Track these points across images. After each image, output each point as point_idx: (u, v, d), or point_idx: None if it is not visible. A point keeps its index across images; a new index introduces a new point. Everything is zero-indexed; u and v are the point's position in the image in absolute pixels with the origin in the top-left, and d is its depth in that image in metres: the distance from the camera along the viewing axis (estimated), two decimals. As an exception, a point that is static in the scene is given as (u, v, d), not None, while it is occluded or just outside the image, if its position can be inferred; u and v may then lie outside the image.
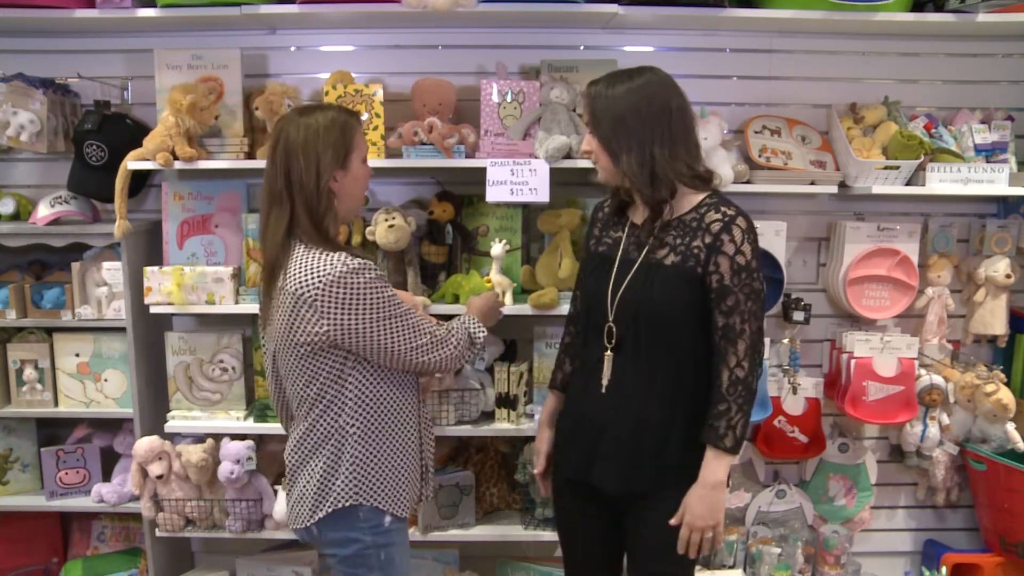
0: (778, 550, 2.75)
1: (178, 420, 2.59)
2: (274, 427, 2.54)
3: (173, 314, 2.67)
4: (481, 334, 2.02)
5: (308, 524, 1.86)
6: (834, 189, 2.55)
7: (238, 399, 2.62)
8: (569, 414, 1.99)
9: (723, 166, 2.41)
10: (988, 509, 2.76)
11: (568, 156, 2.38)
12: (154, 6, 2.37)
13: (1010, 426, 2.68)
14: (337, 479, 1.83)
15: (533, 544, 2.74)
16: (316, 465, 1.84)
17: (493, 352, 2.59)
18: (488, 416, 2.58)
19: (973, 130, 2.59)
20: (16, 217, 2.67)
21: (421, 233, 2.52)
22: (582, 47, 2.68)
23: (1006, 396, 2.64)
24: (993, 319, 2.73)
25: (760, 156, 2.55)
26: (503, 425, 2.54)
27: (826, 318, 2.84)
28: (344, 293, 1.72)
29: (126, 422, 2.68)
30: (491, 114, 2.41)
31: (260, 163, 2.42)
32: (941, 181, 2.53)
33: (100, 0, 2.38)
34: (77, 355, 2.60)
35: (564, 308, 2.43)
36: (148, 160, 2.40)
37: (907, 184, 2.55)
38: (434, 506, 2.59)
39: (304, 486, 1.86)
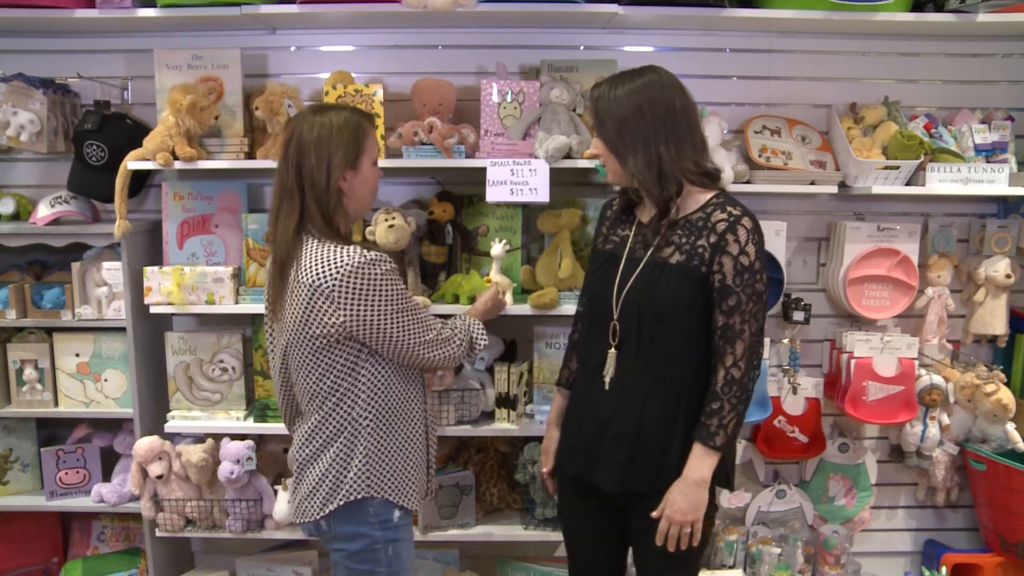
0: (778, 550, 2.75)
1: (178, 420, 2.60)
2: (274, 427, 2.54)
3: (173, 314, 2.67)
4: (483, 340, 2.07)
5: (318, 517, 1.87)
6: (834, 189, 2.56)
7: (238, 399, 2.62)
8: (574, 411, 2.00)
9: (723, 166, 2.41)
10: (988, 509, 2.76)
11: (568, 156, 2.38)
12: (154, 6, 2.38)
13: (1010, 426, 2.68)
14: (350, 471, 1.84)
15: (533, 544, 2.74)
16: (328, 457, 1.86)
17: (493, 352, 2.59)
18: (488, 416, 2.58)
19: (973, 130, 2.59)
20: (16, 217, 2.67)
21: (421, 233, 2.52)
22: (582, 47, 2.68)
23: (1006, 396, 2.64)
24: (993, 319, 2.73)
25: (760, 156, 2.55)
26: (503, 425, 2.54)
27: (826, 318, 2.84)
28: (361, 284, 1.75)
29: (126, 422, 2.68)
30: (491, 114, 2.41)
31: (260, 163, 2.44)
32: (941, 181, 2.53)
33: (100, 0, 2.38)
34: (77, 355, 2.60)
35: (564, 308, 2.43)
36: (148, 160, 2.40)
37: (907, 184, 2.56)
38: (434, 506, 2.59)
39: (316, 479, 1.87)
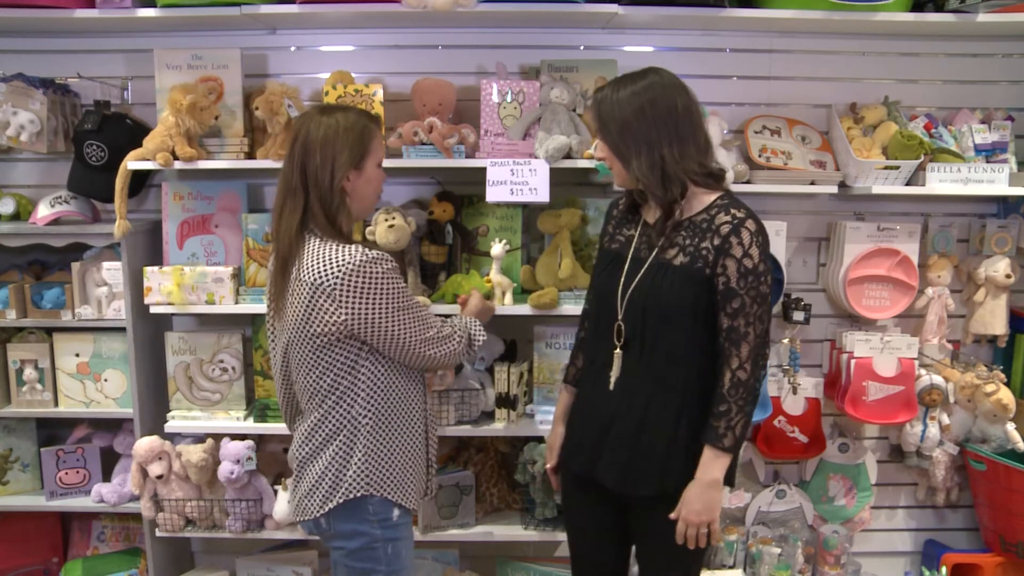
0: (778, 550, 2.75)
1: (178, 420, 2.60)
2: (274, 427, 2.54)
3: (173, 314, 2.67)
4: (481, 337, 2.08)
5: (317, 515, 1.88)
6: (834, 189, 2.56)
7: (238, 399, 2.62)
8: (579, 410, 2.00)
9: (723, 166, 2.41)
10: (988, 509, 2.76)
11: (568, 156, 2.38)
12: (154, 6, 2.38)
13: (1010, 426, 2.68)
14: (349, 469, 1.85)
15: (533, 544, 2.74)
16: (328, 455, 1.86)
17: (493, 352, 2.59)
18: (488, 416, 2.58)
19: (973, 130, 2.59)
20: (16, 217, 2.67)
21: (421, 233, 2.52)
22: (582, 47, 2.68)
23: (1006, 396, 2.64)
24: (993, 319, 2.73)
25: (760, 156, 2.55)
26: (503, 425, 2.54)
27: (826, 318, 2.84)
28: (363, 282, 1.76)
29: (126, 422, 2.68)
30: (491, 114, 2.41)
31: (260, 163, 2.44)
32: (941, 181, 2.53)
33: (100, 0, 2.38)
34: (77, 355, 2.60)
35: (564, 308, 2.43)
36: (148, 160, 2.40)
37: (907, 184, 2.56)
38: (434, 506, 2.59)
39: (315, 477, 1.87)
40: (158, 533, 2.60)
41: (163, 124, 2.39)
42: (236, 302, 2.49)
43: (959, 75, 2.74)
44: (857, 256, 2.66)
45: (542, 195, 2.35)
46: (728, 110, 2.67)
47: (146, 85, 2.62)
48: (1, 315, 2.53)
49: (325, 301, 1.77)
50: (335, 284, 1.75)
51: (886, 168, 2.51)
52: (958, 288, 2.82)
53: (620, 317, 1.84)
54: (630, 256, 1.87)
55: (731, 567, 2.77)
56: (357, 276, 1.76)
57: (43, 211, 2.53)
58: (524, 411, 2.58)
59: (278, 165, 2.29)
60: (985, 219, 2.75)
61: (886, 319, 2.75)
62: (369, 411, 1.85)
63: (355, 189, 1.85)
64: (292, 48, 2.70)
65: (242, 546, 2.77)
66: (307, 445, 1.90)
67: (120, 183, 2.41)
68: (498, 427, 2.55)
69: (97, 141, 2.48)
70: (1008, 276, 2.68)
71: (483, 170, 2.37)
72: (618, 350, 1.85)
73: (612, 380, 1.86)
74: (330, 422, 1.86)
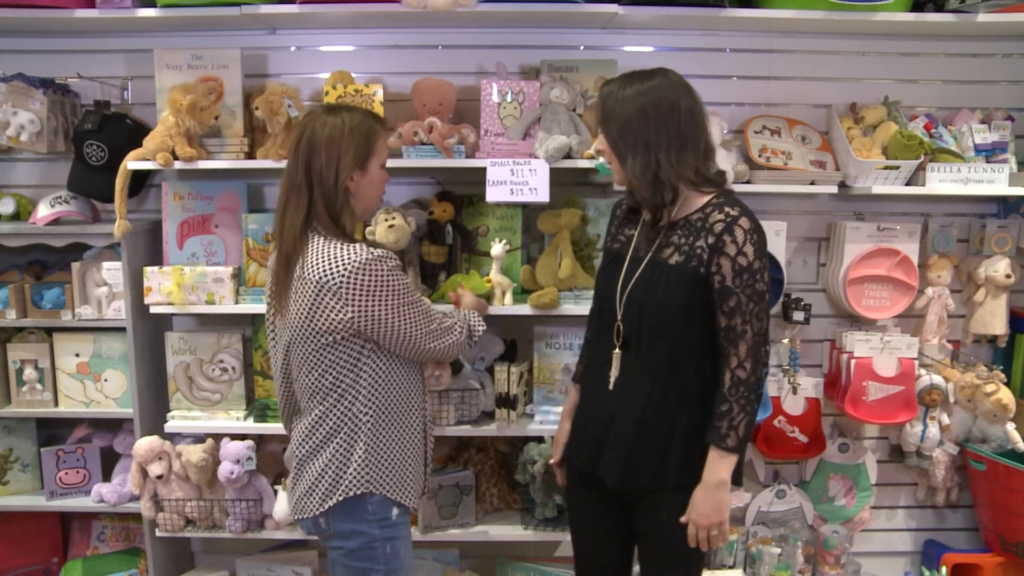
0: (778, 550, 2.75)
1: (178, 420, 2.60)
2: (274, 427, 2.54)
3: (173, 314, 2.67)
4: (480, 328, 2.09)
5: (316, 514, 1.88)
6: (834, 189, 2.56)
7: (238, 399, 2.62)
8: (582, 409, 2.01)
9: (723, 166, 2.41)
10: (988, 509, 2.76)
11: (568, 156, 2.38)
12: (154, 6, 2.38)
13: (1010, 426, 2.68)
14: (350, 467, 1.85)
15: (533, 544, 2.74)
16: (328, 453, 1.86)
17: (493, 352, 2.58)
18: (488, 416, 2.58)
19: (973, 130, 2.59)
20: (16, 217, 2.67)
21: (421, 233, 2.52)
22: (582, 47, 2.68)
23: (1006, 396, 2.64)
24: (993, 319, 2.73)
25: (760, 156, 2.55)
26: (503, 425, 2.53)
27: (826, 318, 2.84)
28: (369, 281, 1.77)
29: (126, 422, 2.68)
30: (491, 114, 2.41)
31: (260, 163, 2.44)
32: (941, 181, 2.53)
33: (100, 0, 2.39)
34: (77, 355, 2.60)
35: (564, 308, 2.43)
36: (148, 160, 2.40)
37: (907, 184, 2.56)
38: (434, 506, 2.59)
39: (315, 474, 1.88)
40: (158, 533, 2.60)
41: (163, 124, 2.39)
42: (236, 302, 2.49)
43: (959, 75, 2.74)
44: (857, 256, 2.66)
45: (542, 195, 2.35)
46: (728, 110, 2.67)
47: (146, 85, 2.62)
48: (1, 315, 2.53)
49: (331, 299, 1.77)
50: (341, 282, 1.76)
51: (886, 168, 2.51)
52: (958, 288, 2.82)
53: (619, 317, 1.85)
54: (629, 256, 1.88)
55: (731, 567, 2.77)
56: (363, 274, 1.77)
57: (43, 211, 2.53)
58: (524, 411, 2.58)
59: (278, 165, 2.30)
60: (985, 219, 2.75)
61: (886, 319, 2.75)
62: (370, 409, 1.85)
63: (359, 189, 1.86)
64: (292, 48, 2.70)
65: (242, 546, 2.77)
66: (307, 443, 1.90)
67: (120, 183, 2.41)
68: (498, 427, 2.54)
69: (97, 141, 2.48)
70: (1008, 276, 2.68)
71: (483, 170, 2.37)
72: (617, 350, 1.86)
73: (612, 380, 1.87)
74: (330, 420, 1.86)
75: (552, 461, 2.13)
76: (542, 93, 2.42)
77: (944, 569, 2.76)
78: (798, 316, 2.64)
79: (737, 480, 1.88)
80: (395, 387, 1.89)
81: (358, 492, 1.85)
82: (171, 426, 2.59)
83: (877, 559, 2.98)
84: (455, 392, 2.51)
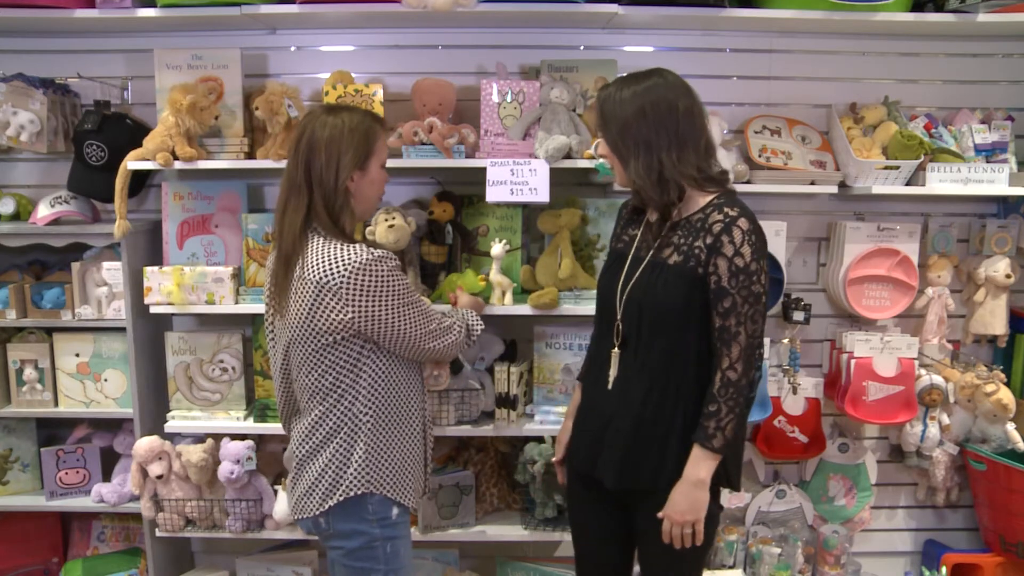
0: (778, 550, 2.75)
1: (178, 420, 2.60)
2: (274, 427, 2.54)
3: (173, 314, 2.67)
4: (478, 327, 2.10)
5: (316, 514, 1.88)
6: (834, 189, 2.56)
7: (238, 399, 2.62)
8: (582, 408, 2.01)
9: (723, 166, 2.41)
10: (988, 509, 2.76)
11: (568, 156, 2.38)
12: (154, 6, 2.38)
13: (1010, 426, 2.68)
14: (350, 467, 1.85)
15: (533, 544, 2.74)
16: (328, 453, 1.86)
17: (493, 352, 2.58)
18: (488, 416, 2.58)
19: (973, 130, 2.59)
20: (16, 217, 2.67)
21: (421, 233, 2.52)
22: (582, 47, 2.68)
23: (1006, 396, 2.64)
24: (993, 319, 2.73)
25: (760, 156, 2.55)
26: (503, 425, 2.54)
27: (826, 318, 2.84)
28: (369, 281, 1.77)
29: (126, 422, 2.68)
30: (491, 114, 2.41)
31: (260, 163, 2.44)
32: (941, 181, 2.53)
33: (100, 0, 2.39)
34: (77, 355, 2.60)
35: (564, 308, 2.43)
36: (148, 160, 2.40)
37: (907, 184, 2.56)
38: (434, 506, 2.59)
39: (315, 474, 1.88)
40: (158, 533, 2.60)
41: (163, 124, 2.39)
42: (236, 302, 2.49)
43: (959, 75, 2.74)
44: (857, 256, 2.66)
45: (542, 195, 2.35)
46: (728, 110, 2.67)
47: (146, 85, 2.62)
48: (1, 315, 2.53)
49: (331, 299, 1.77)
50: (341, 283, 1.76)
51: (886, 168, 2.51)
52: (958, 288, 2.82)
53: (619, 317, 1.85)
54: (630, 256, 1.88)
55: (731, 567, 2.77)
56: (363, 275, 1.77)
57: (43, 211, 2.53)
58: (524, 411, 2.58)
59: (278, 165, 2.30)
60: (985, 219, 2.75)
61: (886, 319, 2.75)
62: (370, 409, 1.85)
63: (359, 189, 1.86)
64: (292, 48, 2.70)
65: (242, 546, 2.77)
66: (306, 443, 1.90)
67: (120, 183, 2.40)
68: (498, 427, 2.54)
69: (97, 141, 2.48)
70: (1008, 276, 2.68)
71: (483, 170, 2.37)
72: (616, 350, 1.86)
73: (611, 379, 1.87)
74: (330, 420, 1.86)
75: (554, 460, 2.14)
76: (542, 93, 2.42)
77: (944, 569, 2.76)
78: (798, 316, 2.65)
79: (734, 484, 1.88)
80: (395, 387, 1.89)
81: (358, 492, 1.85)
82: (171, 426, 2.58)
83: (877, 559, 2.98)
84: (455, 392, 2.51)
